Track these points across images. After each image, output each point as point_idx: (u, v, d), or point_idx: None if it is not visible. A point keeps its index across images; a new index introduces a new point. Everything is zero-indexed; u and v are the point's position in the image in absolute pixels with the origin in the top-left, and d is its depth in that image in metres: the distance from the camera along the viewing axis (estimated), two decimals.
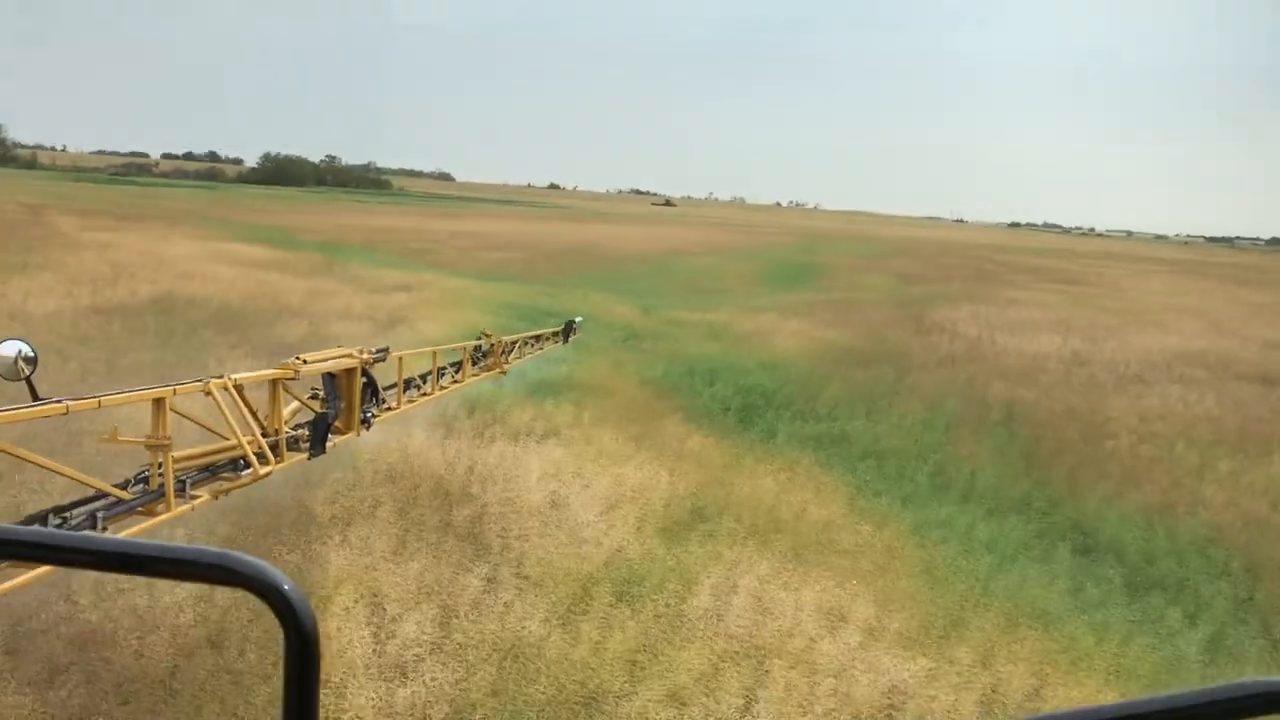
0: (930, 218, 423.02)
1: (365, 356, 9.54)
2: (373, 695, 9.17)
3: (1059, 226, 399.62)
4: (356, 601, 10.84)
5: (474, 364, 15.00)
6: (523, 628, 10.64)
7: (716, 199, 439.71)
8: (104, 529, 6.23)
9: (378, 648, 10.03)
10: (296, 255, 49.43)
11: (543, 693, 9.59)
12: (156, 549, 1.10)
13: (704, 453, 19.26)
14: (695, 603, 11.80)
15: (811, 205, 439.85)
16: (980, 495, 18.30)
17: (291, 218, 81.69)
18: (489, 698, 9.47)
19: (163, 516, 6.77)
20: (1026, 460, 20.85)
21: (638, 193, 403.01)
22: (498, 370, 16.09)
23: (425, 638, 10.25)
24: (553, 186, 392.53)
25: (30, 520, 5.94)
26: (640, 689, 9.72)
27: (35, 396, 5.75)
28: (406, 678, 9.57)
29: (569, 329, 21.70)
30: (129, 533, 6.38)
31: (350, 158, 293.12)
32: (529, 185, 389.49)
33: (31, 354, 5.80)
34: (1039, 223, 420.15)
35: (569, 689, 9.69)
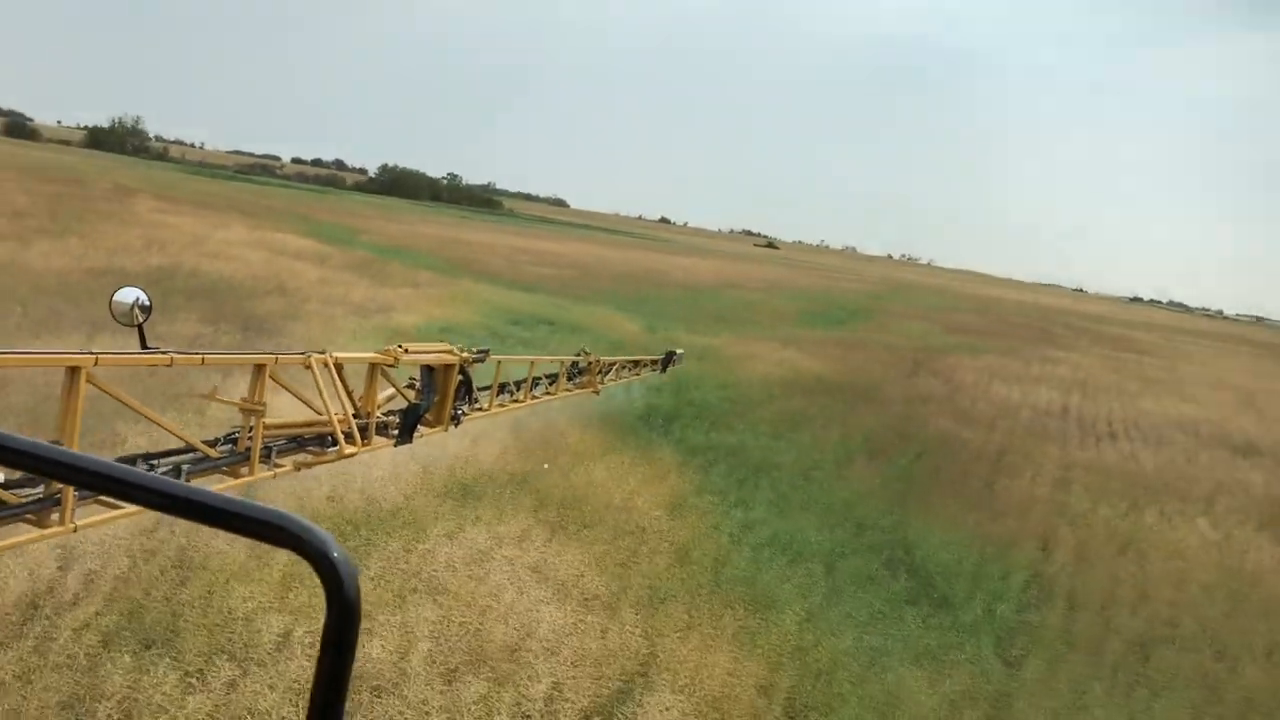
0: (1049, 284, 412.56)
1: (466, 355, 9.46)
2: None
3: (1183, 306, 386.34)
4: None
5: (569, 379, 14.78)
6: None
7: (827, 246, 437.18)
8: (187, 481, 6.07)
9: None
10: (342, 251, 51.77)
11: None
12: (222, 501, 1.14)
13: (580, 444, 19.98)
14: (423, 548, 12.66)
15: (925, 261, 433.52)
16: (825, 510, 18.60)
17: (371, 222, 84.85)
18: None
19: (244, 479, 6.83)
20: (905, 487, 21.03)
21: (748, 233, 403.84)
22: (591, 389, 15.84)
23: None
24: (663, 220, 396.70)
25: (120, 461, 6.27)
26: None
27: (144, 345, 5.80)
28: None
29: (669, 359, 21.27)
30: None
31: (473, 177, 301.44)
32: (640, 217, 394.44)
33: (147, 303, 5.90)
34: (1163, 300, 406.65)
35: None
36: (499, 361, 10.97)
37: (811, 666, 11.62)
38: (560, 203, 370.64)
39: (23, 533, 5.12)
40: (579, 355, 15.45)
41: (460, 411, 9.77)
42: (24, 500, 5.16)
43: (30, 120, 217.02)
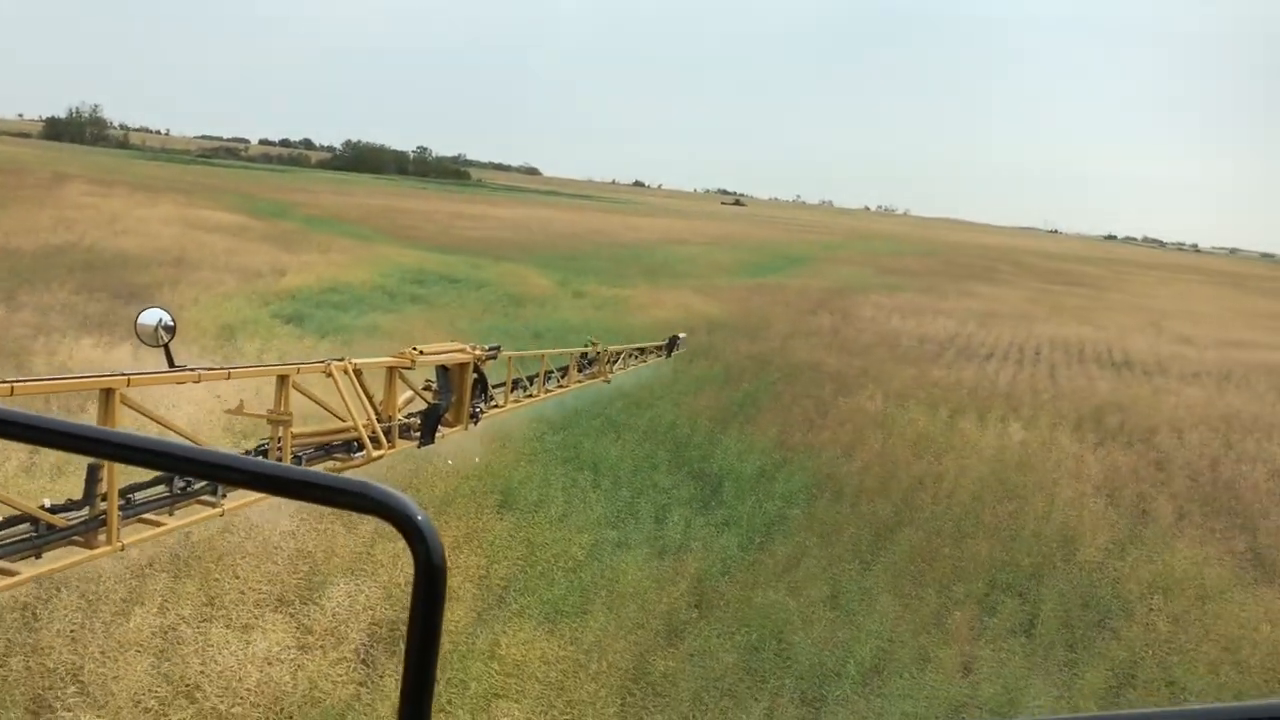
0: (1025, 228, 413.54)
1: (479, 353, 9.63)
2: None
3: (1158, 241, 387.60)
4: None
5: (580, 370, 15.02)
6: None
7: (803, 201, 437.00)
8: (223, 496, 6.38)
9: None
10: (268, 224, 52.44)
11: None
12: (305, 474, 1.19)
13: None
14: None
15: (901, 211, 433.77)
16: (645, 431, 19.53)
17: (318, 197, 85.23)
18: None
19: None
20: (739, 409, 22.03)
21: (724, 193, 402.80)
22: (602, 379, 16.07)
23: None
24: (637, 184, 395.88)
25: (157, 480, 6.11)
26: None
27: (171, 363, 5.89)
28: None
29: (673, 344, 21.39)
30: (246, 503, 6.77)
31: (445, 150, 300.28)
32: (614, 182, 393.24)
33: (171, 323, 6.01)
34: (1138, 237, 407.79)
35: None
36: (510, 358, 11.20)
37: (538, 557, 12.66)
38: (533, 171, 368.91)
39: (73, 554, 5.26)
40: (587, 347, 15.68)
41: (478, 409, 9.96)
42: (71, 522, 5.28)
43: None
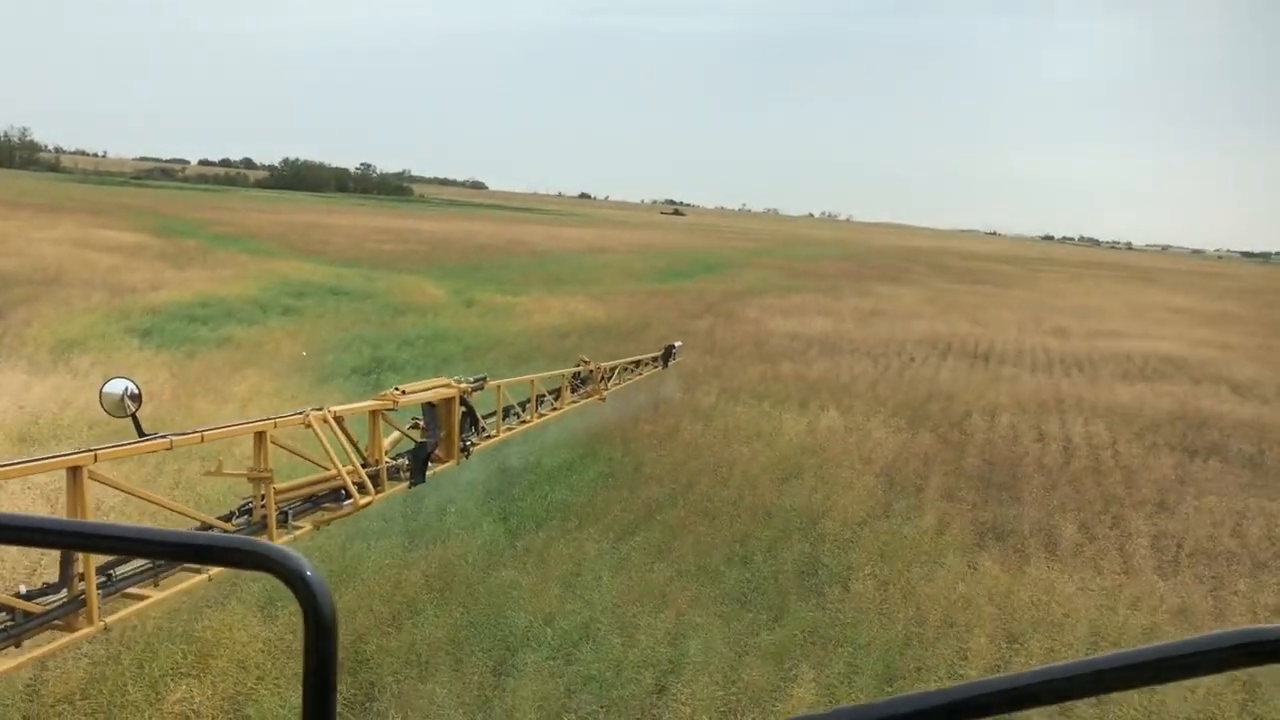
0: (965, 230, 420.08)
1: (464, 386, 9.54)
2: None
3: (1094, 240, 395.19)
4: None
5: (573, 390, 14.94)
6: None
7: (749, 210, 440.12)
8: None
9: None
10: (168, 243, 52.37)
11: None
12: (190, 537, 1.18)
13: (252, 392, 21.25)
14: None
15: (844, 217, 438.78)
16: None
17: (237, 215, 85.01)
18: None
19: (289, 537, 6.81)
20: None
21: (671, 203, 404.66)
22: (597, 397, 15.98)
23: None
24: (583, 196, 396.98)
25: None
26: None
27: (140, 433, 5.79)
28: None
29: (669, 354, 21.54)
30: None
31: (389, 166, 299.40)
32: (559, 194, 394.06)
33: (136, 391, 5.89)
34: (1075, 237, 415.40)
35: None
36: (499, 386, 11.19)
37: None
38: (479, 185, 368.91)
39: (55, 639, 5.16)
40: (579, 365, 15.61)
41: (469, 442, 9.91)
42: (50, 606, 5.11)
43: None
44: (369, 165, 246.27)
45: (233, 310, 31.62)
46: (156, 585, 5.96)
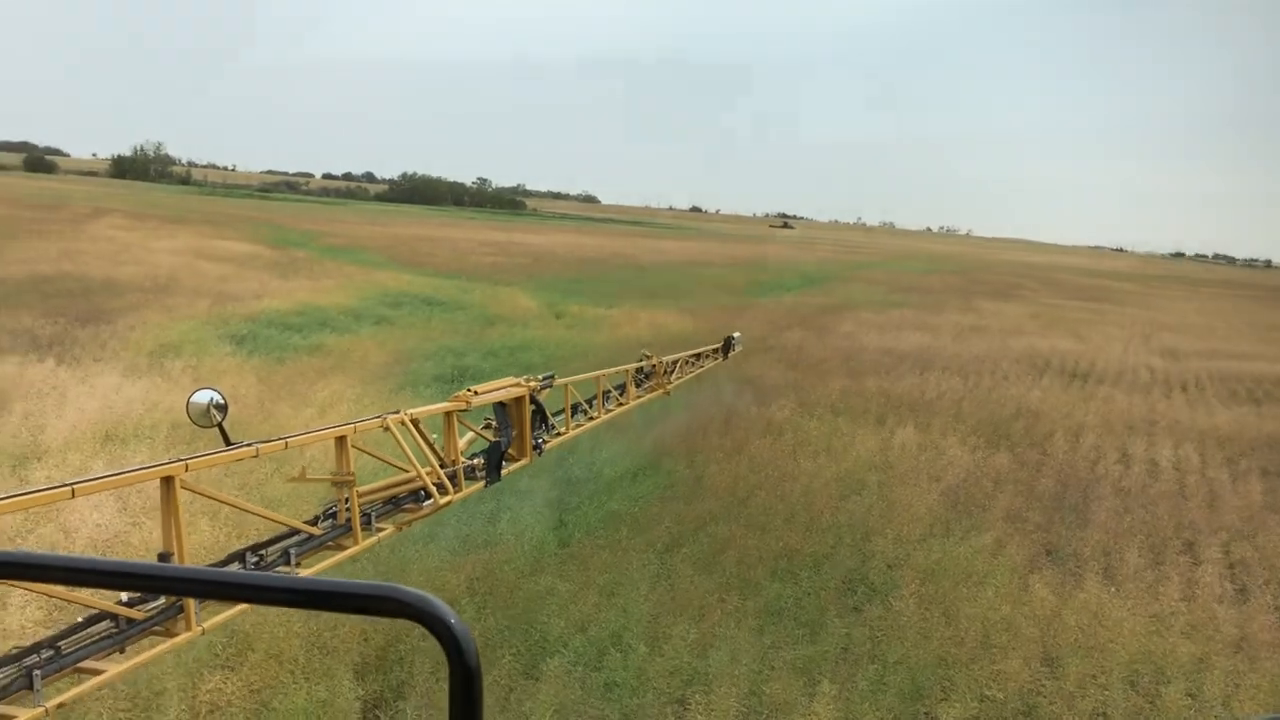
0: (1093, 247, 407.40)
1: (533, 385, 9.65)
2: None
3: (1229, 258, 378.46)
4: None
5: (638, 385, 15.04)
6: None
7: (864, 224, 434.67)
8: (297, 564, 6.42)
9: None
10: (280, 253, 54.42)
11: None
12: (332, 585, 1.18)
13: (333, 398, 21.91)
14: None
15: (964, 231, 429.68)
16: None
17: (350, 227, 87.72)
18: None
19: (350, 551, 6.93)
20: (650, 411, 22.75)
21: (784, 216, 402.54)
22: (661, 390, 16.08)
23: None
24: (694, 210, 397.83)
25: (230, 558, 6.20)
26: None
27: (227, 442, 5.95)
28: None
29: (728, 345, 21.61)
30: (320, 567, 6.65)
31: (505, 180, 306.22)
32: (670, 208, 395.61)
33: (222, 401, 6.01)
34: (1209, 254, 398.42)
35: None
36: (566, 384, 11.32)
37: None
38: (591, 199, 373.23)
39: (156, 644, 5.34)
40: (641, 360, 15.66)
41: (540, 440, 10.02)
42: (151, 613, 5.30)
43: (66, 154, 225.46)
44: (485, 179, 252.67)
45: (328, 319, 32.62)
46: None
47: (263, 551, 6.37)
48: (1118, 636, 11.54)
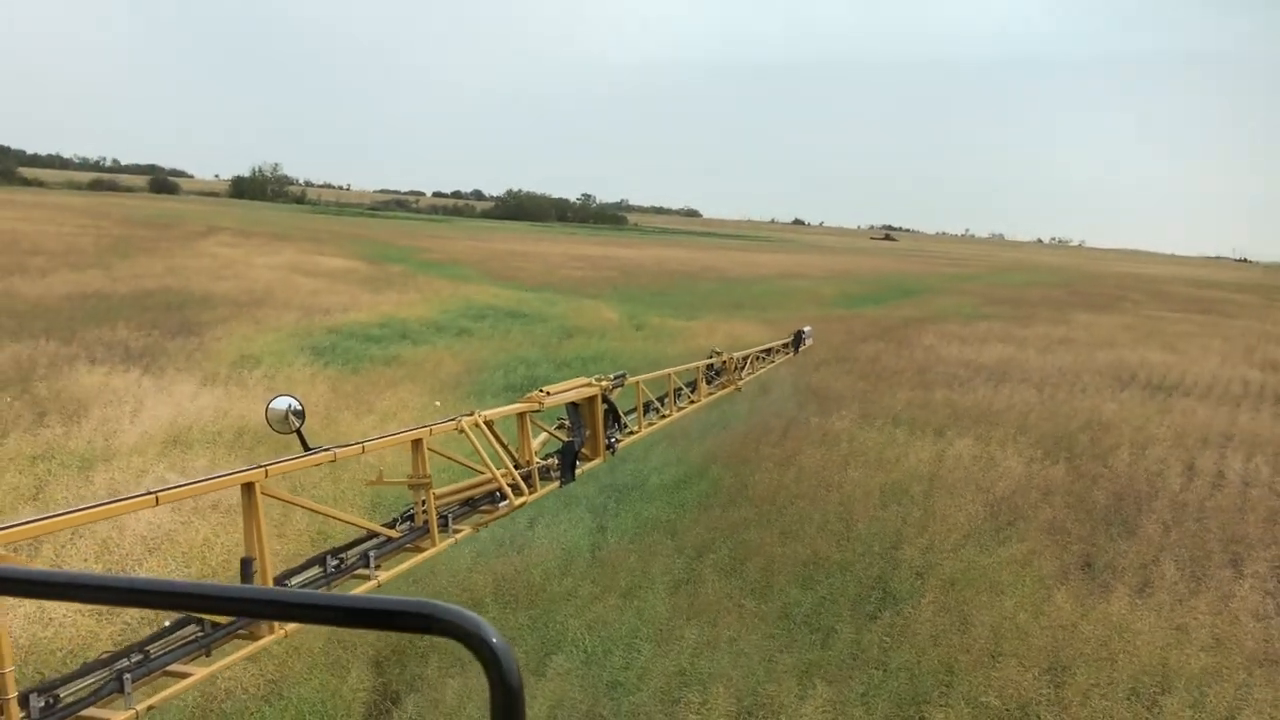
0: (1214, 258, 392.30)
1: (605, 384, 9.64)
2: None
3: None
4: None
5: (708, 383, 15.02)
6: None
7: (972, 235, 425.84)
8: (376, 567, 6.52)
9: None
10: (376, 268, 56.18)
11: None
12: (370, 602, 1.16)
13: (398, 406, 22.70)
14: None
15: (1076, 243, 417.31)
16: None
17: (450, 243, 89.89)
18: None
19: (428, 552, 6.96)
20: (711, 421, 23.01)
21: (889, 228, 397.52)
22: (733, 387, 16.11)
23: None
24: (796, 222, 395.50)
25: (310, 562, 6.31)
26: None
27: (306, 447, 6.01)
28: None
29: (798, 340, 21.58)
30: (399, 570, 6.76)
31: (609, 196, 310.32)
32: (772, 221, 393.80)
33: (299, 408, 6.07)
34: None
35: None
36: (637, 382, 11.23)
37: None
38: (693, 213, 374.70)
39: (240, 648, 5.47)
40: (712, 357, 15.65)
41: (613, 439, 10.00)
42: (234, 618, 5.29)
43: (190, 176, 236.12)
44: (589, 195, 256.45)
45: (409, 331, 33.67)
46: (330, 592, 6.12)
47: (343, 555, 6.43)
48: (1133, 647, 11.34)
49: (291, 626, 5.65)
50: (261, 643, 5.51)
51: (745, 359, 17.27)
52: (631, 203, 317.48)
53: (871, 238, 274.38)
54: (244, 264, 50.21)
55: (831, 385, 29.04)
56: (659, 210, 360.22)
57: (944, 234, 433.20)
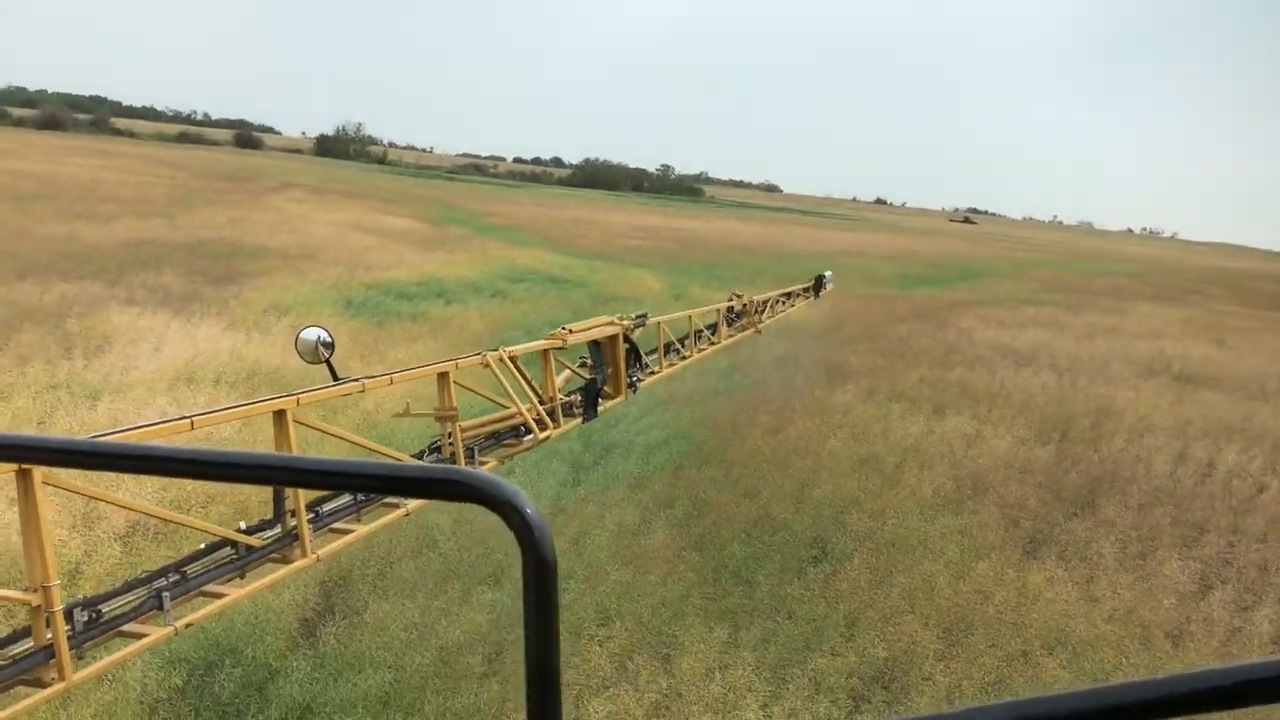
0: None
1: (627, 324, 9.82)
2: None
3: None
4: None
5: (729, 325, 15.27)
6: None
7: (1060, 222, 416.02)
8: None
9: None
10: (436, 230, 57.42)
11: None
12: (405, 469, 1.21)
13: (408, 359, 23.58)
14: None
15: (1168, 234, 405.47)
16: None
17: (519, 209, 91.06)
18: None
19: None
20: (716, 388, 23.56)
21: (975, 211, 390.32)
22: (753, 329, 16.32)
23: None
24: (879, 201, 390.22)
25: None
26: None
27: (335, 378, 6.12)
28: None
29: (819, 284, 22.03)
30: (423, 502, 6.77)
31: (689, 168, 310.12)
32: (854, 199, 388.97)
33: (329, 339, 6.19)
34: None
35: None
36: (659, 323, 11.55)
37: None
38: (773, 188, 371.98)
39: (272, 571, 5.65)
40: (732, 300, 15.97)
41: (635, 378, 10.20)
42: (268, 541, 5.58)
43: (277, 133, 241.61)
44: (668, 166, 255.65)
45: (445, 290, 34.63)
46: (359, 520, 6.40)
47: None
48: (1039, 615, 11.71)
49: (324, 551, 5.86)
50: (295, 565, 5.68)
51: (765, 302, 17.57)
52: (711, 175, 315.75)
53: (950, 219, 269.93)
54: (306, 219, 51.70)
55: (849, 361, 29.28)
56: (738, 184, 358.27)
57: (1031, 219, 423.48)
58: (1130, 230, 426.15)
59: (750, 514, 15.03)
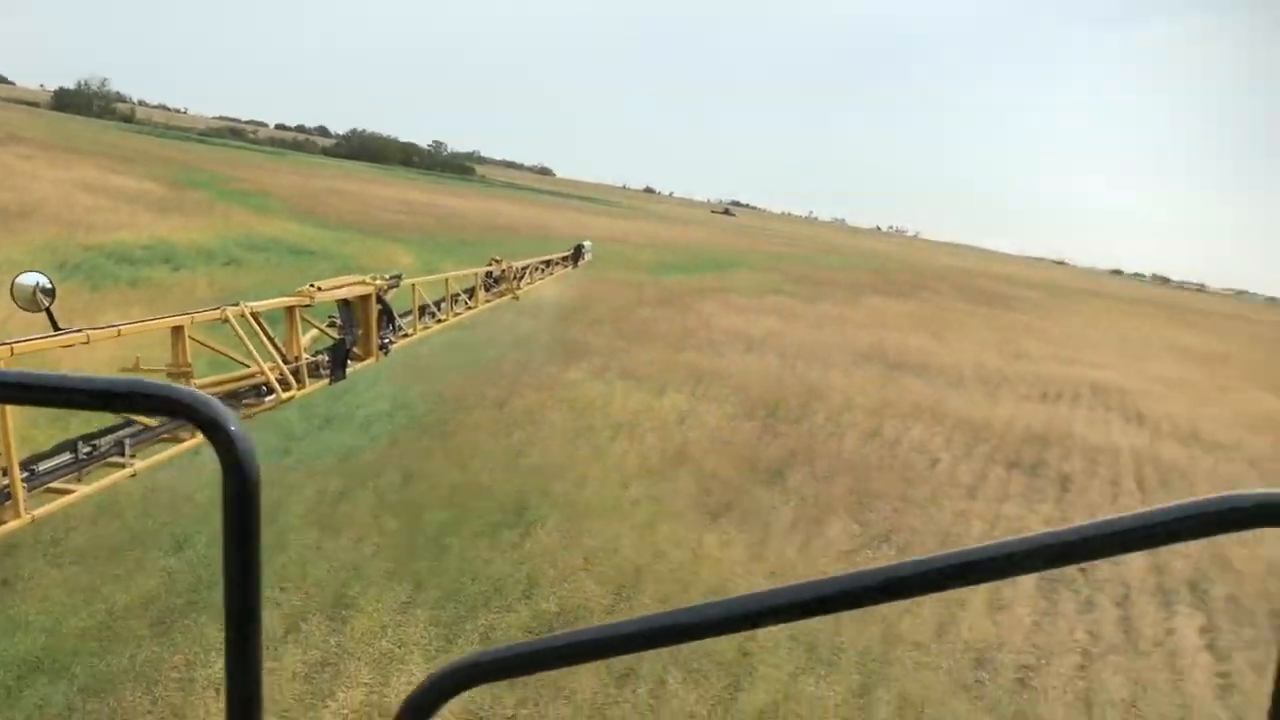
0: (1036, 258, 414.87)
1: (380, 284, 9.64)
2: None
3: (1165, 279, 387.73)
4: None
5: (486, 290, 15.22)
6: None
7: (815, 218, 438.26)
8: (132, 456, 6.32)
9: None
10: (175, 193, 54.35)
11: None
12: (106, 383, 1.08)
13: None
14: None
15: (911, 233, 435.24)
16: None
17: (272, 176, 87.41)
18: None
19: (190, 442, 6.67)
20: (459, 364, 23.61)
21: (736, 204, 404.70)
22: (510, 295, 16.32)
23: None
24: (648, 190, 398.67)
25: (59, 447, 5.99)
26: None
27: (55, 327, 5.71)
28: None
29: (578, 253, 22.26)
30: (157, 459, 6.53)
31: (461, 146, 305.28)
32: (624, 187, 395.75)
33: (50, 286, 5.83)
34: (1147, 274, 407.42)
35: None
36: (414, 285, 11.37)
37: None
38: (546, 172, 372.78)
39: None
40: (491, 265, 15.82)
41: (387, 340, 10.09)
42: None
43: (11, 83, 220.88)
44: (440, 143, 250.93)
45: (174, 256, 33.01)
46: (80, 480, 5.96)
47: (96, 441, 6.15)
48: (706, 571, 12.64)
49: (40, 511, 5.42)
50: (9, 526, 5.21)
51: (524, 269, 17.70)
52: (484, 154, 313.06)
53: (712, 211, 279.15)
54: (28, 176, 47.81)
55: (588, 340, 30.04)
56: (511, 165, 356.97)
57: (789, 214, 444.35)
58: (878, 228, 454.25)
59: (457, 481, 15.34)
